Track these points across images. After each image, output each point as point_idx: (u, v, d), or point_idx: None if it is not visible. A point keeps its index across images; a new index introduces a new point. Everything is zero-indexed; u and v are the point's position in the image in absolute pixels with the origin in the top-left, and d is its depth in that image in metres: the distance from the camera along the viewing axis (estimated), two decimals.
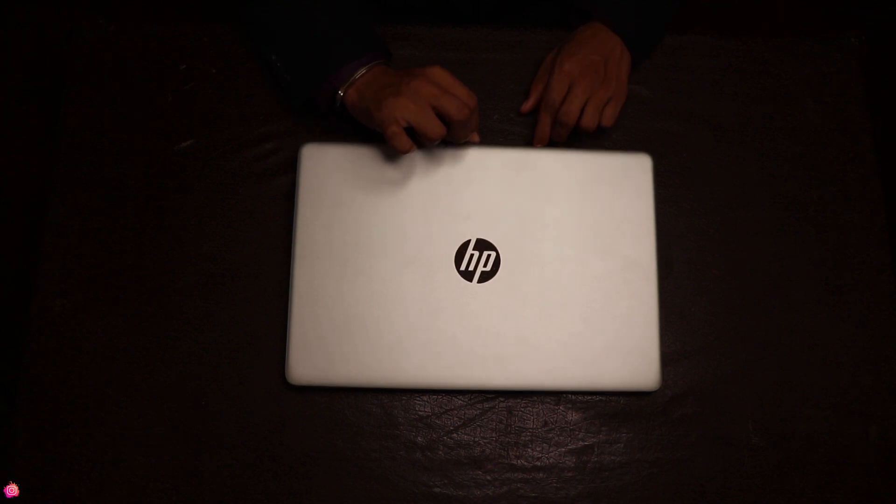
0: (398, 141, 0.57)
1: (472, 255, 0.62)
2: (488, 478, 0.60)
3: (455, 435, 0.60)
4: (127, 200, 0.65)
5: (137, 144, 0.67)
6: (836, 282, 0.65)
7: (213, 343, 0.62)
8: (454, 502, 0.59)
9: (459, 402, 0.61)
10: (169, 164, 0.66)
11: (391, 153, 0.64)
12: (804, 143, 0.69)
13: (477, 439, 0.61)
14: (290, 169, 0.65)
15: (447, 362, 0.59)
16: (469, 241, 0.62)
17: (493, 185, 0.63)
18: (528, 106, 0.68)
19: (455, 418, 0.61)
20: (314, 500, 0.59)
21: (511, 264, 0.62)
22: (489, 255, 0.62)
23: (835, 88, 0.71)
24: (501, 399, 0.62)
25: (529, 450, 0.60)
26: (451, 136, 0.60)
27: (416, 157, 0.64)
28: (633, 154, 0.65)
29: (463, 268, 0.61)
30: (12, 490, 0.58)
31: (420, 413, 0.61)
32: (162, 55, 0.69)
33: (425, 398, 0.61)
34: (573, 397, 0.62)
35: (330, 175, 0.63)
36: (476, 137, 0.63)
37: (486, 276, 0.62)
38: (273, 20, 0.64)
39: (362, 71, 0.61)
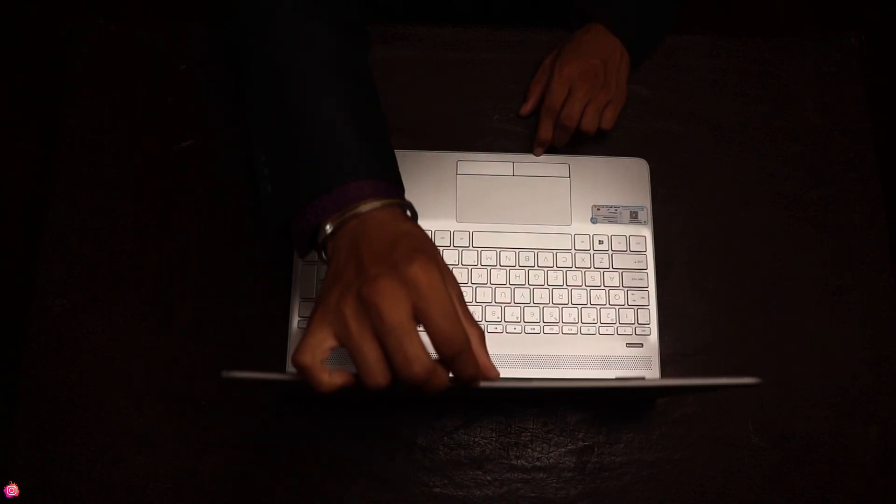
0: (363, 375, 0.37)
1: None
2: (488, 478, 0.60)
3: (455, 435, 0.60)
4: (127, 200, 0.65)
5: (137, 144, 0.67)
6: (836, 282, 0.65)
7: (213, 343, 0.62)
8: (454, 502, 0.59)
9: (459, 402, 0.61)
10: (169, 164, 0.66)
11: None
12: (804, 143, 0.69)
13: (477, 439, 0.60)
14: None
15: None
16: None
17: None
18: (527, 108, 0.68)
19: (455, 418, 0.61)
20: (314, 500, 0.59)
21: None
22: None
23: (835, 88, 0.71)
24: (501, 399, 0.62)
25: (529, 450, 0.60)
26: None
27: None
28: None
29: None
30: (12, 490, 0.58)
31: (420, 413, 0.61)
32: (162, 55, 0.69)
33: (425, 398, 0.61)
34: (573, 397, 0.62)
35: None
36: (494, 372, 0.41)
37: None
38: (271, 110, 0.48)
39: (374, 205, 0.42)
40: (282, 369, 0.60)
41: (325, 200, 0.43)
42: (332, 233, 0.43)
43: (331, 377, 0.37)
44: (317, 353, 0.37)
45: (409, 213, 0.46)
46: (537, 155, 0.66)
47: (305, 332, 0.38)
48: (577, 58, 0.65)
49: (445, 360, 0.37)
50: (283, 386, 0.39)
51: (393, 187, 0.46)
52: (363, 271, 0.38)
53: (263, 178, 0.47)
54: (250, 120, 0.50)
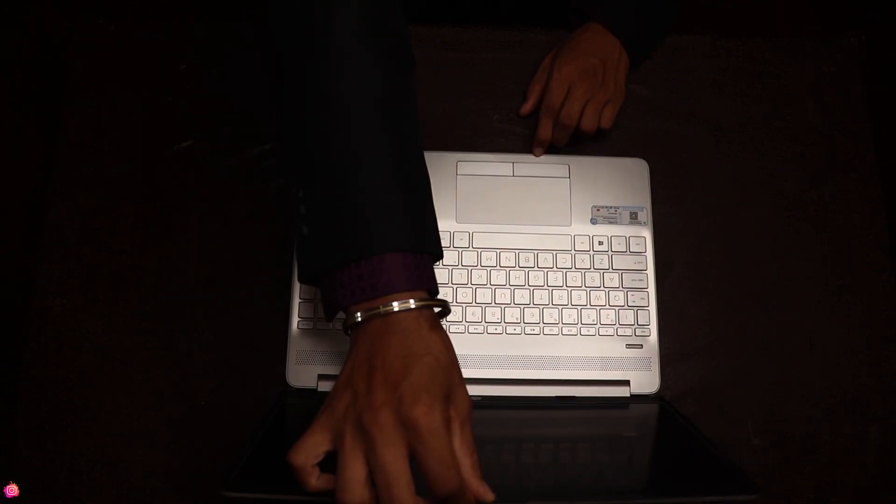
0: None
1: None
2: None
3: None
4: (127, 200, 0.65)
5: (137, 144, 0.67)
6: (836, 282, 0.65)
7: (212, 343, 0.62)
8: None
9: None
10: (169, 164, 0.66)
11: None
12: (804, 143, 0.69)
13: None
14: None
15: None
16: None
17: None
18: (527, 108, 0.68)
19: None
20: (314, 499, 0.59)
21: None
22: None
23: (835, 88, 0.71)
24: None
25: None
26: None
27: None
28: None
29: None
30: (12, 490, 0.58)
31: None
32: (162, 55, 0.69)
33: None
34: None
35: None
36: (487, 496, 0.39)
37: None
38: (313, 145, 0.45)
39: (405, 305, 0.41)
40: (282, 370, 0.60)
41: (356, 278, 0.42)
42: (360, 323, 0.42)
43: (317, 481, 0.39)
44: (310, 455, 0.39)
45: (440, 309, 0.45)
46: (537, 155, 0.66)
47: (307, 430, 0.40)
48: (575, 57, 0.65)
49: (438, 499, 0.37)
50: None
51: (424, 264, 0.44)
52: (371, 392, 0.38)
53: (299, 218, 0.46)
54: (289, 150, 0.48)
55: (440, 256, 0.47)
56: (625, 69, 0.67)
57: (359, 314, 0.42)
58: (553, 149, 0.67)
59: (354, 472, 0.37)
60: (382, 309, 0.41)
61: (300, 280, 0.47)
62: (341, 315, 0.45)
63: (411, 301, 0.42)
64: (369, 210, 0.43)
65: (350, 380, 0.40)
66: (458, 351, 0.59)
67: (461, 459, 0.38)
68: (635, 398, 0.59)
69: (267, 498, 0.40)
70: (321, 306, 0.52)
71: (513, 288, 0.62)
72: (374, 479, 0.36)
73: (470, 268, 0.62)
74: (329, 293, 0.44)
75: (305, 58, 0.47)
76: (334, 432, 0.39)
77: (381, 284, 0.42)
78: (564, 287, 0.62)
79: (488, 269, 0.62)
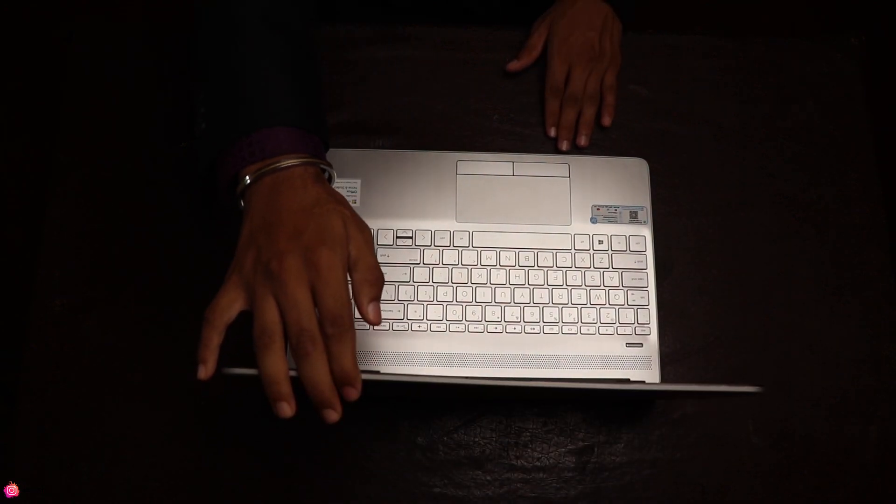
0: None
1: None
2: (488, 478, 0.60)
3: (455, 435, 0.60)
4: (127, 200, 0.65)
5: (137, 144, 0.67)
6: (836, 282, 0.65)
7: None
8: (454, 502, 0.59)
9: (459, 401, 0.61)
10: (169, 164, 0.66)
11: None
12: (804, 143, 0.69)
13: (477, 439, 0.60)
14: None
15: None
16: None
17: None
18: (515, 66, 0.69)
19: (454, 418, 0.61)
20: (314, 500, 0.59)
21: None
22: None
23: (835, 88, 0.71)
24: (500, 398, 0.62)
25: (529, 450, 0.60)
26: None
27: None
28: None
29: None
30: (12, 490, 0.57)
31: (420, 413, 0.61)
32: (161, 55, 0.69)
33: (425, 398, 0.61)
34: (573, 398, 0.62)
35: None
36: (373, 317, 0.44)
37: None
38: (213, 54, 0.52)
39: (291, 162, 0.46)
40: None
41: (246, 146, 0.46)
42: (250, 185, 0.46)
43: (219, 339, 0.43)
44: (225, 312, 0.43)
45: (326, 174, 0.49)
46: (551, 135, 0.67)
47: (220, 291, 0.44)
48: (571, 33, 0.67)
49: (327, 336, 0.40)
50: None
51: (312, 141, 0.49)
52: (275, 244, 0.42)
53: (199, 116, 0.50)
54: (193, 61, 0.53)
55: (327, 143, 0.51)
56: (618, 34, 0.70)
57: (248, 177, 0.46)
58: (554, 149, 0.67)
59: (269, 313, 0.41)
60: (273, 165, 0.45)
61: (199, 174, 0.50)
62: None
63: (295, 159, 0.46)
64: (258, 94, 0.48)
65: (251, 238, 0.44)
66: (458, 350, 0.60)
67: (360, 292, 0.43)
68: None
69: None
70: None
71: (513, 287, 0.62)
72: (284, 314, 0.41)
73: (470, 267, 0.62)
74: (223, 168, 0.48)
75: None
76: (245, 287, 0.43)
77: (269, 148, 0.46)
78: (564, 286, 0.62)
79: (488, 268, 0.62)
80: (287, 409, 0.40)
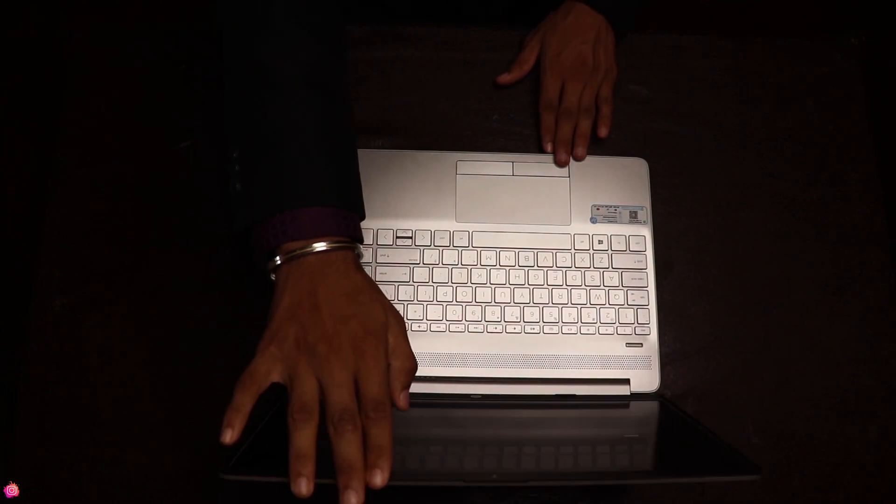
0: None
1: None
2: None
3: None
4: (127, 200, 0.65)
5: (137, 144, 0.67)
6: (836, 282, 0.65)
7: (213, 343, 0.62)
8: (454, 501, 0.59)
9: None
10: (169, 164, 0.66)
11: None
12: (804, 143, 0.69)
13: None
14: None
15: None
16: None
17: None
18: (505, 79, 0.68)
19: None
20: (314, 499, 0.59)
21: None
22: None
23: (835, 88, 0.71)
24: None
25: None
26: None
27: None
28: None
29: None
30: (12, 490, 0.58)
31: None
32: (162, 55, 0.69)
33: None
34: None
35: None
36: (402, 403, 0.45)
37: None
38: (248, 111, 0.50)
39: (330, 246, 0.46)
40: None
41: (281, 223, 0.47)
42: (282, 264, 0.46)
43: (250, 405, 0.42)
44: (262, 383, 0.43)
45: (359, 255, 0.50)
46: (548, 150, 0.66)
47: (254, 361, 0.43)
48: (564, 47, 0.66)
49: (368, 419, 0.41)
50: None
51: (352, 220, 0.49)
52: (321, 324, 0.43)
53: (234, 175, 0.50)
54: (227, 114, 0.52)
55: (363, 216, 0.52)
56: (612, 45, 0.68)
57: (282, 256, 0.46)
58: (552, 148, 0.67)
59: (311, 391, 0.41)
60: (314, 248, 0.46)
61: (232, 232, 0.50)
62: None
63: (335, 243, 0.47)
64: (298, 170, 0.48)
65: (292, 314, 0.44)
66: (458, 350, 0.60)
67: (397, 379, 0.44)
68: (635, 396, 0.59)
69: (262, 481, 0.41)
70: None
71: (512, 287, 0.62)
72: (327, 394, 0.41)
73: (470, 267, 0.62)
74: (260, 237, 0.48)
75: (244, 32, 0.52)
76: (284, 361, 0.43)
77: (306, 229, 0.46)
78: (564, 286, 0.62)
79: (488, 268, 0.62)
80: (306, 487, 0.39)
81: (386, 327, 0.45)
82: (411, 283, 0.61)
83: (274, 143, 0.48)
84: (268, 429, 0.48)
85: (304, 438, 0.40)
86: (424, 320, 0.61)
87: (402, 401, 0.45)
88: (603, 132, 0.67)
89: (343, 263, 0.46)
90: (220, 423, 0.41)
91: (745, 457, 0.43)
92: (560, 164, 0.65)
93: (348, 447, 0.39)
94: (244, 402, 0.42)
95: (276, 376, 0.43)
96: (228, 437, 0.41)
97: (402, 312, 0.60)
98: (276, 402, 0.55)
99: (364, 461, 0.39)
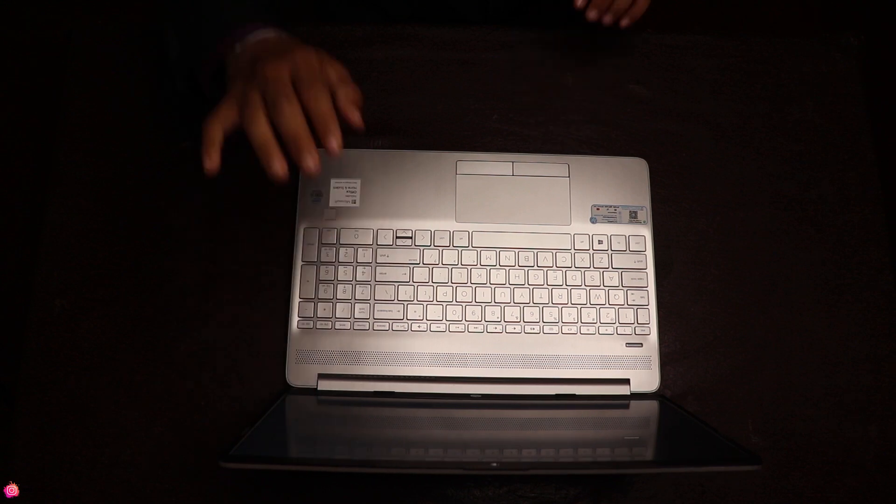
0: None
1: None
2: (488, 478, 0.60)
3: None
4: (127, 200, 0.65)
5: (137, 144, 0.67)
6: (836, 282, 0.65)
7: (212, 343, 0.62)
8: (454, 502, 0.59)
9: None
10: (169, 164, 0.66)
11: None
12: (804, 143, 0.69)
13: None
14: (291, 169, 0.65)
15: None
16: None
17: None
18: (580, 1, 0.64)
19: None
20: (314, 499, 0.59)
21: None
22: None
23: (835, 88, 0.71)
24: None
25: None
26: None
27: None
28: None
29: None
30: (12, 490, 0.58)
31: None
32: (162, 55, 0.69)
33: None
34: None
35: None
36: (356, 121, 0.48)
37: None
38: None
39: (271, 33, 0.53)
40: (281, 369, 0.60)
41: (229, 39, 0.52)
42: (228, 66, 0.52)
43: (219, 134, 0.47)
44: (224, 122, 0.47)
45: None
46: (578, 4, 0.62)
47: (217, 106, 0.48)
48: None
49: (300, 91, 0.45)
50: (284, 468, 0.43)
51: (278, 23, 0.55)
52: (262, 67, 0.47)
53: (173, 49, 0.57)
54: (166, 12, 0.58)
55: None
56: None
57: (240, 45, 0.52)
58: (553, 149, 0.67)
59: (253, 97, 0.46)
60: (257, 35, 0.52)
61: (178, 86, 0.58)
62: None
63: (274, 32, 0.53)
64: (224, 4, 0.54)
65: (240, 71, 0.49)
66: (458, 350, 0.60)
67: (336, 86, 0.47)
68: (635, 396, 0.59)
69: (260, 468, 0.42)
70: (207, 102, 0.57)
71: (512, 287, 0.62)
72: (266, 94, 0.45)
73: (469, 267, 0.62)
74: (209, 65, 0.54)
75: None
76: (238, 98, 0.47)
77: (247, 30, 0.52)
78: (564, 286, 0.62)
79: (488, 268, 0.62)
80: (280, 164, 0.44)
81: (322, 61, 0.48)
82: (411, 283, 0.61)
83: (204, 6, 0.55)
84: (265, 425, 0.48)
85: (258, 128, 0.44)
86: (424, 320, 0.61)
87: (355, 118, 0.47)
88: (626, 21, 0.64)
89: (277, 38, 0.52)
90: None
91: (745, 448, 0.43)
92: (590, 19, 0.63)
93: (290, 119, 0.44)
94: (215, 133, 0.47)
95: (231, 106, 0.47)
96: (208, 162, 0.46)
97: (402, 312, 0.61)
98: (274, 400, 0.55)
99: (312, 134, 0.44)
